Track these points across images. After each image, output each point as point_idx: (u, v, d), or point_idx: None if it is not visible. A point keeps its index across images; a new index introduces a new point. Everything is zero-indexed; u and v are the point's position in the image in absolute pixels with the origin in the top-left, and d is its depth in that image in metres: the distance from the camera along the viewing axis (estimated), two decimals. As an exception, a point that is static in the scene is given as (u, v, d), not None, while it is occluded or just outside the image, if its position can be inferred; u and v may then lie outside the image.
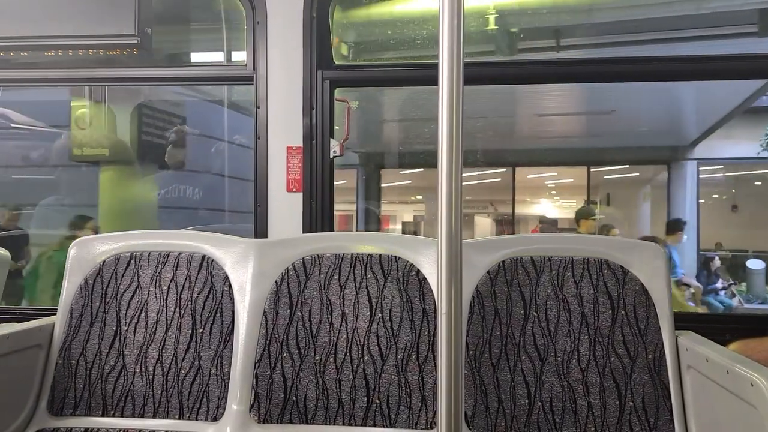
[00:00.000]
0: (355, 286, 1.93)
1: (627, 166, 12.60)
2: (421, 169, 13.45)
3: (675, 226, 7.56)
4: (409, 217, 18.81)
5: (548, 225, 16.14)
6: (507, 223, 17.11)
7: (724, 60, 2.34)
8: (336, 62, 2.44)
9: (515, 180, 13.45)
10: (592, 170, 13.11)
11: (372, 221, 12.03)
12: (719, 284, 8.36)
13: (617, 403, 1.77)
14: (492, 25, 5.07)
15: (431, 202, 17.47)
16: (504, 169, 13.57)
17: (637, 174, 12.98)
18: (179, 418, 1.87)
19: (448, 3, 1.13)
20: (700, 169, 10.68)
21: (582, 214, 7.06)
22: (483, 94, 7.23)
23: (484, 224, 18.50)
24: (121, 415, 1.89)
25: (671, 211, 10.55)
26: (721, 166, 12.11)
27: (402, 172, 14.15)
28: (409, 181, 15.06)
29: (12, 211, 6.40)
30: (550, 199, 17.92)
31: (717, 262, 8.82)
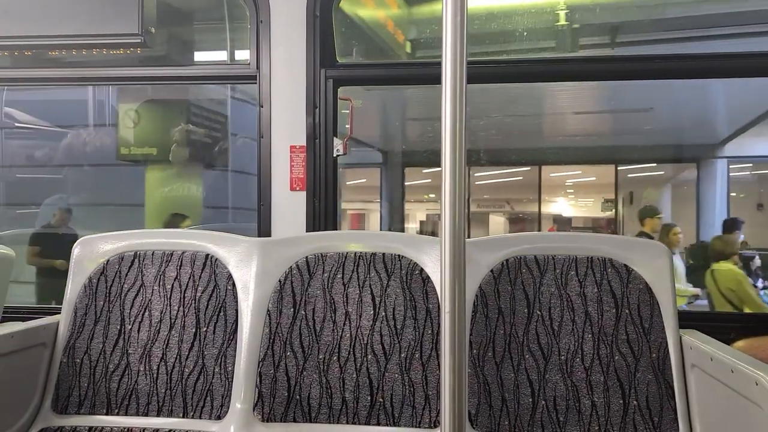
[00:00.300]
0: (359, 284, 1.93)
1: (654, 164, 12.45)
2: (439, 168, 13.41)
3: (732, 226, 6.91)
4: (422, 216, 18.83)
5: (562, 224, 16.01)
6: (520, 221, 17.10)
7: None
8: (339, 61, 2.44)
9: (541, 178, 13.32)
10: (616, 168, 12.95)
11: (396, 220, 11.99)
12: (759, 284, 8.17)
13: (621, 402, 1.76)
14: (563, 21, 4.98)
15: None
16: (528, 168, 13.49)
17: (662, 172, 12.86)
18: (183, 417, 1.88)
19: (452, 1, 1.13)
20: (729, 167, 10.50)
21: (647, 213, 6.60)
22: (512, 93, 7.20)
23: (499, 223, 18.49)
24: (126, 414, 1.90)
25: (700, 209, 10.44)
26: (750, 165, 11.91)
27: (425, 171, 14.11)
28: (429, 180, 15.02)
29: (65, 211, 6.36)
30: (567, 198, 17.83)
31: (757, 261, 8.63)
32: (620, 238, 1.99)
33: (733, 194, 12.50)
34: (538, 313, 1.86)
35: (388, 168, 11.76)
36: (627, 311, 1.83)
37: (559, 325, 1.84)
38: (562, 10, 4.96)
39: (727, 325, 2.19)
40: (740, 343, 2.02)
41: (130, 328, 1.96)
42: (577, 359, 1.81)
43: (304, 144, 2.37)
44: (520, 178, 14.85)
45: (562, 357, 1.81)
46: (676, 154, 11.05)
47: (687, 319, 1.94)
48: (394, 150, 11.63)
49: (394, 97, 7.90)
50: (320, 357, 1.88)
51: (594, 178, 15.15)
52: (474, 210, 18.99)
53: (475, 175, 14.62)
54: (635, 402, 1.76)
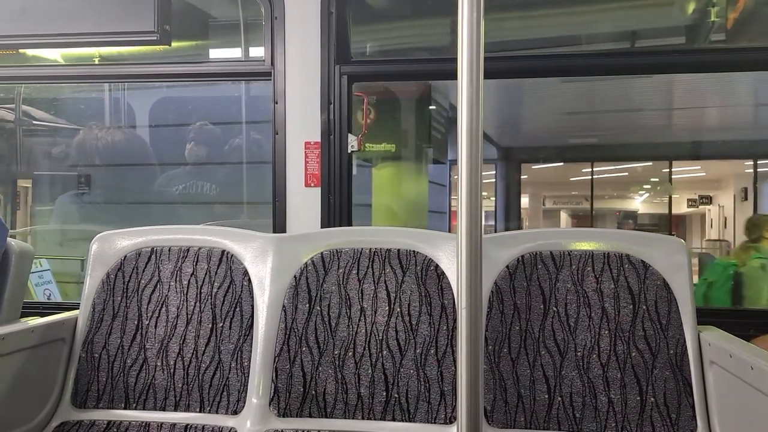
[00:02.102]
0: (374, 280, 1.94)
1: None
2: (558, 164, 13.23)
3: None
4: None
5: (625, 220, 15.65)
6: (583, 218, 16.90)
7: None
8: (353, 57, 2.44)
9: (672, 173, 12.94)
10: (727, 162, 12.51)
11: (513, 217, 11.78)
12: None
13: (638, 398, 1.75)
14: None
15: (536, 196, 17.19)
16: (650, 163, 13.25)
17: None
18: (200, 412, 1.89)
19: None
20: None
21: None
22: (639, 87, 7.05)
23: (572, 221, 18.46)
24: (143, 408, 1.92)
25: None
26: None
27: (534, 167, 13.91)
28: (525, 176, 14.82)
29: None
30: (657, 195, 17.54)
31: None
32: (637, 233, 1.98)
33: None
34: (554, 309, 1.85)
35: (504, 163, 11.63)
36: (644, 307, 1.81)
37: (576, 321, 1.83)
38: None
39: (746, 321, 2.17)
40: (759, 340, 2.00)
41: (147, 324, 1.98)
42: (594, 355, 1.80)
43: (319, 140, 2.37)
44: (626, 174, 14.62)
45: (579, 353, 1.80)
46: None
47: (705, 315, 1.92)
48: (511, 145, 11.43)
49: (510, 89, 7.71)
50: (336, 352, 1.88)
51: (704, 174, 14.80)
52: (549, 207, 18.84)
53: (583, 170, 14.44)
54: (653, 399, 1.74)
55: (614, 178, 15.18)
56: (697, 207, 16.94)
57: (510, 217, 11.67)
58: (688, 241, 18.05)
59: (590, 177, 13.97)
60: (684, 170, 14.50)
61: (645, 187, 17.01)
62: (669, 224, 14.55)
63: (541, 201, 18.36)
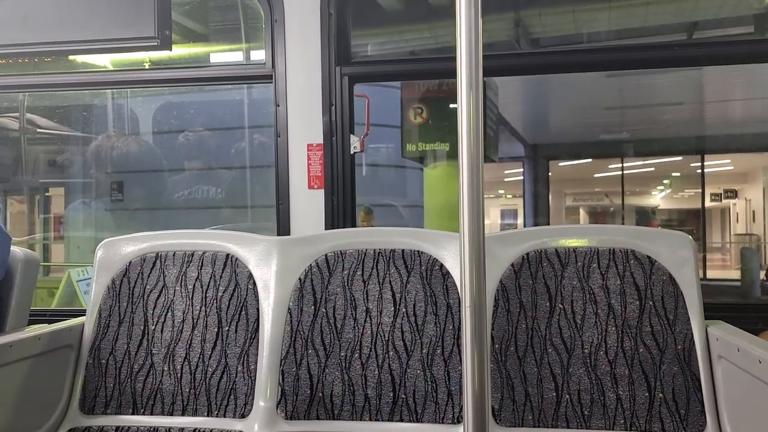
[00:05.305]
0: (379, 281, 1.93)
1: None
2: (587, 160, 13.18)
3: None
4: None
5: (640, 216, 15.58)
6: (601, 215, 16.79)
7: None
8: (354, 58, 2.44)
9: (704, 167, 12.79)
10: (756, 155, 12.46)
11: (541, 213, 11.83)
12: None
13: (647, 394, 1.74)
14: None
15: (557, 194, 17.11)
16: (680, 158, 13.18)
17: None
18: (207, 416, 1.89)
19: None
20: None
21: None
22: (678, 80, 6.99)
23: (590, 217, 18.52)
24: (151, 413, 1.92)
25: None
26: None
27: (560, 164, 13.91)
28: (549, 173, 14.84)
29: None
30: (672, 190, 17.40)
31: None
32: (642, 229, 1.97)
33: None
34: (561, 306, 1.84)
35: (533, 161, 11.60)
36: (651, 303, 1.80)
37: (582, 318, 1.82)
38: None
39: (754, 315, 2.15)
40: (767, 334, 1.98)
41: (154, 329, 1.98)
42: (601, 352, 1.79)
43: (321, 142, 2.37)
44: (652, 169, 14.54)
45: (586, 350, 1.80)
46: None
47: (713, 310, 1.91)
48: (538, 142, 11.39)
49: (538, 84, 7.66)
50: (342, 354, 1.88)
51: (732, 168, 14.64)
52: (569, 204, 18.73)
53: (610, 166, 14.35)
54: (661, 395, 1.73)
55: (639, 174, 15.10)
56: (720, 201, 16.73)
57: (539, 213, 11.63)
58: (712, 236, 17.88)
59: (620, 172, 13.81)
60: (712, 164, 14.33)
61: (664, 182, 16.88)
62: (700, 219, 14.29)
63: (563, 198, 18.33)
